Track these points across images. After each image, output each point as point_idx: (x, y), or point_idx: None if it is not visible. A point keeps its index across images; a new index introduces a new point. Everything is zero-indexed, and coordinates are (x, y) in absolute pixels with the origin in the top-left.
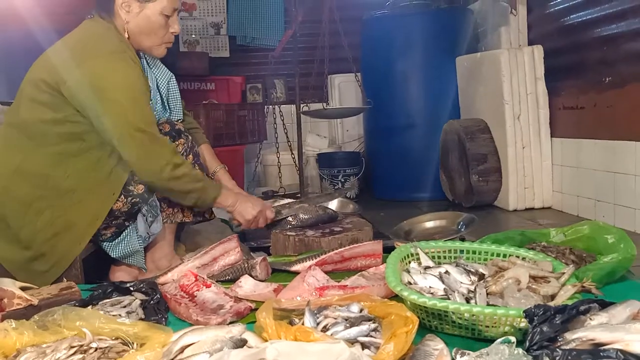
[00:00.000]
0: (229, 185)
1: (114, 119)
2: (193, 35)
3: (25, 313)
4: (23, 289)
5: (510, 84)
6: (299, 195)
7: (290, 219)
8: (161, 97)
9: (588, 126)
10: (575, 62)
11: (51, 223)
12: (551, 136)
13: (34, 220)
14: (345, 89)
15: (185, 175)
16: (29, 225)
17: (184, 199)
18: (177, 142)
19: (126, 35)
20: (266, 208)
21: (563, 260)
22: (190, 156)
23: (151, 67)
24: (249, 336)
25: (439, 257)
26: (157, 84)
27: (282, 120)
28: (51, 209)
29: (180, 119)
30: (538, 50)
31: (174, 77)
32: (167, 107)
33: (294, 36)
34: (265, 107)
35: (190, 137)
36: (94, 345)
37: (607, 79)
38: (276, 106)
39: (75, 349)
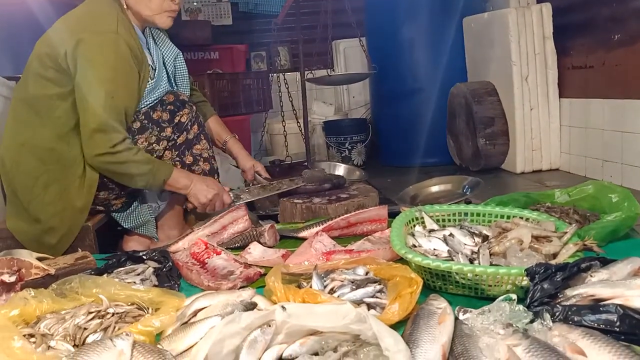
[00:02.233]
0: (240, 154)
1: (80, 100)
2: (195, 3)
3: (44, 282)
4: (39, 259)
5: (518, 44)
6: (306, 163)
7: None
8: (167, 73)
9: (596, 85)
10: (584, 20)
11: (58, 198)
12: (559, 97)
13: (42, 194)
14: (350, 54)
15: (128, 161)
16: (37, 198)
17: (129, 183)
18: (181, 112)
19: (129, 7)
20: (223, 192)
21: (567, 220)
22: (195, 126)
23: (158, 44)
24: (259, 299)
25: (443, 220)
26: (163, 61)
27: (287, 88)
28: (57, 183)
29: (187, 94)
30: (546, 8)
31: (181, 54)
32: (173, 84)
33: (296, 1)
34: (270, 75)
35: (194, 108)
36: (110, 310)
37: (616, 37)
38: (281, 74)
39: (93, 315)
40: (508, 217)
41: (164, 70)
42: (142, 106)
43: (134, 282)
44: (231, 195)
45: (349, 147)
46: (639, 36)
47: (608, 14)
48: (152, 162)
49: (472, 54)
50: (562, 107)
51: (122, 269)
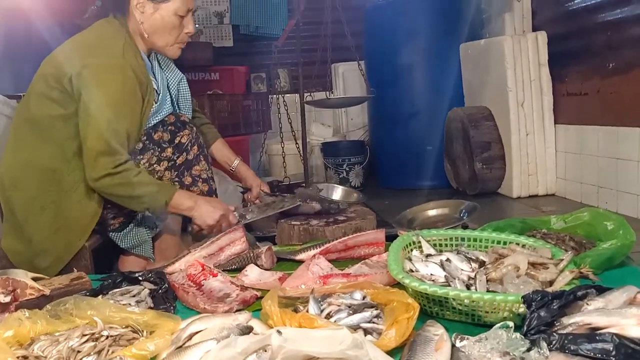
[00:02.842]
0: (248, 174)
1: (83, 122)
2: (196, 25)
3: (38, 303)
4: (35, 279)
5: (514, 70)
6: (304, 184)
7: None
8: (171, 97)
9: (592, 112)
10: (579, 48)
11: (54, 220)
12: (555, 123)
13: (38, 214)
14: (349, 77)
15: (129, 182)
16: (33, 219)
17: (131, 205)
18: (181, 133)
19: (143, 35)
20: (229, 212)
21: (563, 247)
22: (195, 147)
23: (163, 68)
24: (255, 323)
25: (440, 245)
26: (167, 85)
27: (286, 109)
28: (54, 205)
29: (189, 116)
30: (542, 37)
31: (184, 78)
32: (176, 107)
33: (297, 25)
34: (270, 96)
35: (195, 129)
36: (105, 333)
37: (611, 65)
38: (280, 96)
39: (87, 337)
40: (505, 243)
41: (168, 93)
42: (145, 127)
43: (129, 304)
44: (236, 215)
45: (347, 169)
46: (634, 64)
47: (603, 41)
48: (153, 184)
49: (469, 79)
50: (558, 133)
51: (117, 290)
